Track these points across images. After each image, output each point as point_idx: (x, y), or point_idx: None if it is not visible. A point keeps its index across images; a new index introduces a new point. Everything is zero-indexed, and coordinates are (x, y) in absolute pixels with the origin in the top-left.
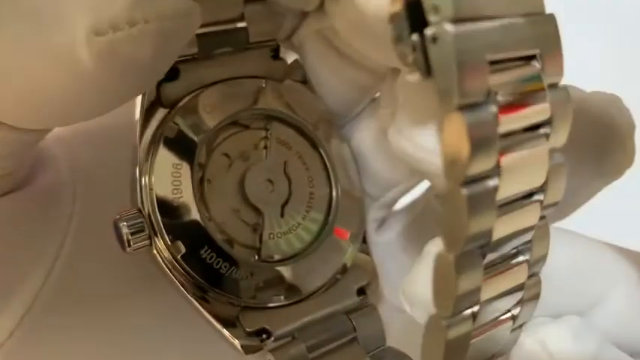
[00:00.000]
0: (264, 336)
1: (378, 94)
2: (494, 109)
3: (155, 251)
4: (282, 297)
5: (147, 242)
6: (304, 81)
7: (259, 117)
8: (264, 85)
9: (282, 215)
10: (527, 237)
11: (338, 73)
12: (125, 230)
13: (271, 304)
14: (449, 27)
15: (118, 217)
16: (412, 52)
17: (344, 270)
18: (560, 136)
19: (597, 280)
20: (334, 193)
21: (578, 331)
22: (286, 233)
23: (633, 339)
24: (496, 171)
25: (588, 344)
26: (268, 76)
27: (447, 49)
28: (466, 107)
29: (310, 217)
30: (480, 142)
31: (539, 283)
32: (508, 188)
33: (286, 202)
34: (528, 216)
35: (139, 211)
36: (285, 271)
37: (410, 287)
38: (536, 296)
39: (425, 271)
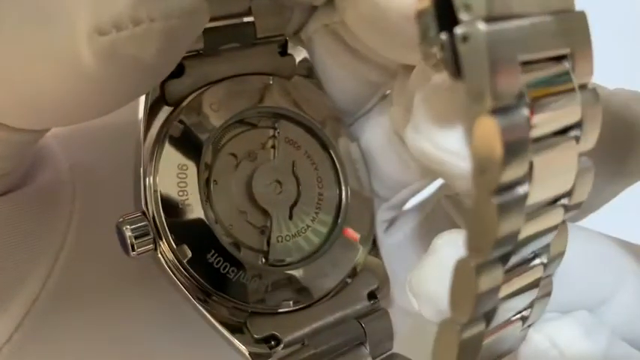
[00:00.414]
0: (272, 343)
1: (388, 92)
2: (525, 112)
3: (159, 255)
4: (291, 302)
5: (151, 246)
6: (309, 75)
7: (267, 115)
8: (271, 82)
9: (290, 217)
10: (547, 240)
11: (347, 69)
12: (129, 234)
13: (280, 310)
14: (482, 26)
15: (120, 220)
16: (440, 52)
17: (354, 273)
18: (589, 139)
19: (607, 276)
20: (344, 194)
21: (589, 326)
22: (295, 236)
23: None
24: (527, 177)
25: (599, 340)
26: (276, 72)
27: (479, 50)
28: (498, 110)
29: (319, 219)
30: (512, 148)
31: (550, 282)
32: (537, 194)
33: (295, 204)
34: (551, 219)
35: (143, 213)
36: (294, 275)
37: (418, 283)
38: (547, 294)
39: (434, 267)
